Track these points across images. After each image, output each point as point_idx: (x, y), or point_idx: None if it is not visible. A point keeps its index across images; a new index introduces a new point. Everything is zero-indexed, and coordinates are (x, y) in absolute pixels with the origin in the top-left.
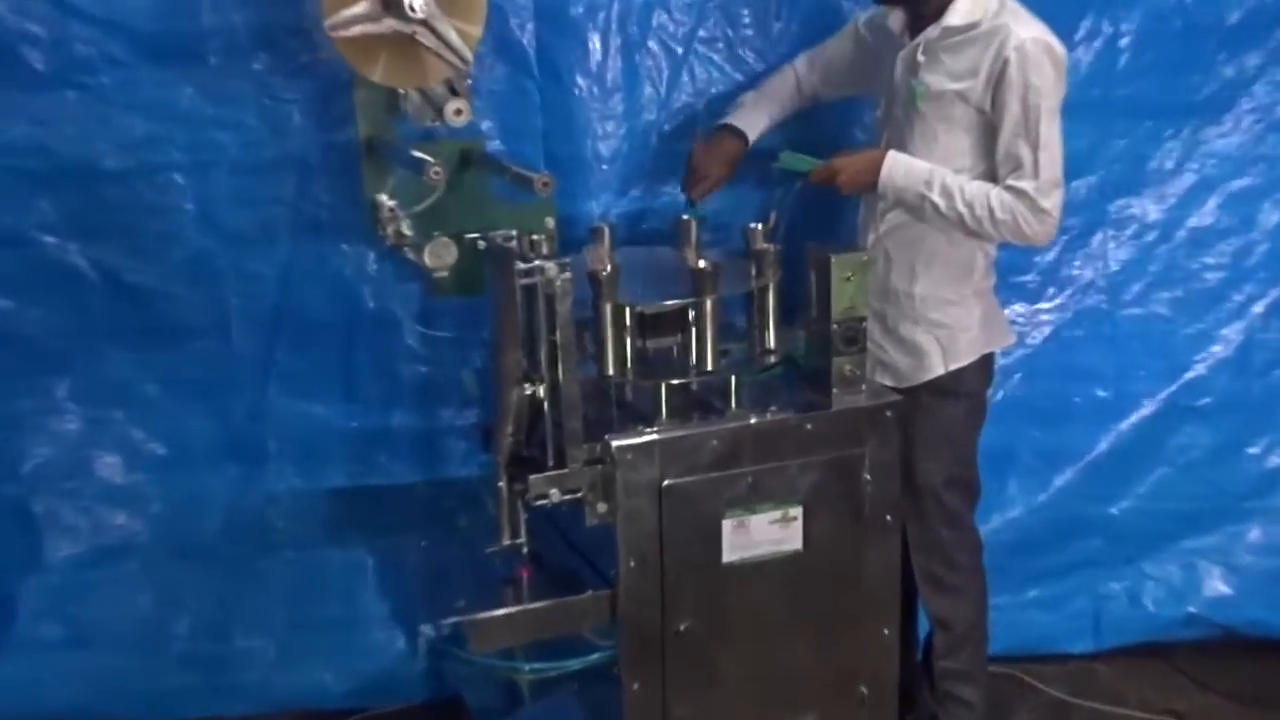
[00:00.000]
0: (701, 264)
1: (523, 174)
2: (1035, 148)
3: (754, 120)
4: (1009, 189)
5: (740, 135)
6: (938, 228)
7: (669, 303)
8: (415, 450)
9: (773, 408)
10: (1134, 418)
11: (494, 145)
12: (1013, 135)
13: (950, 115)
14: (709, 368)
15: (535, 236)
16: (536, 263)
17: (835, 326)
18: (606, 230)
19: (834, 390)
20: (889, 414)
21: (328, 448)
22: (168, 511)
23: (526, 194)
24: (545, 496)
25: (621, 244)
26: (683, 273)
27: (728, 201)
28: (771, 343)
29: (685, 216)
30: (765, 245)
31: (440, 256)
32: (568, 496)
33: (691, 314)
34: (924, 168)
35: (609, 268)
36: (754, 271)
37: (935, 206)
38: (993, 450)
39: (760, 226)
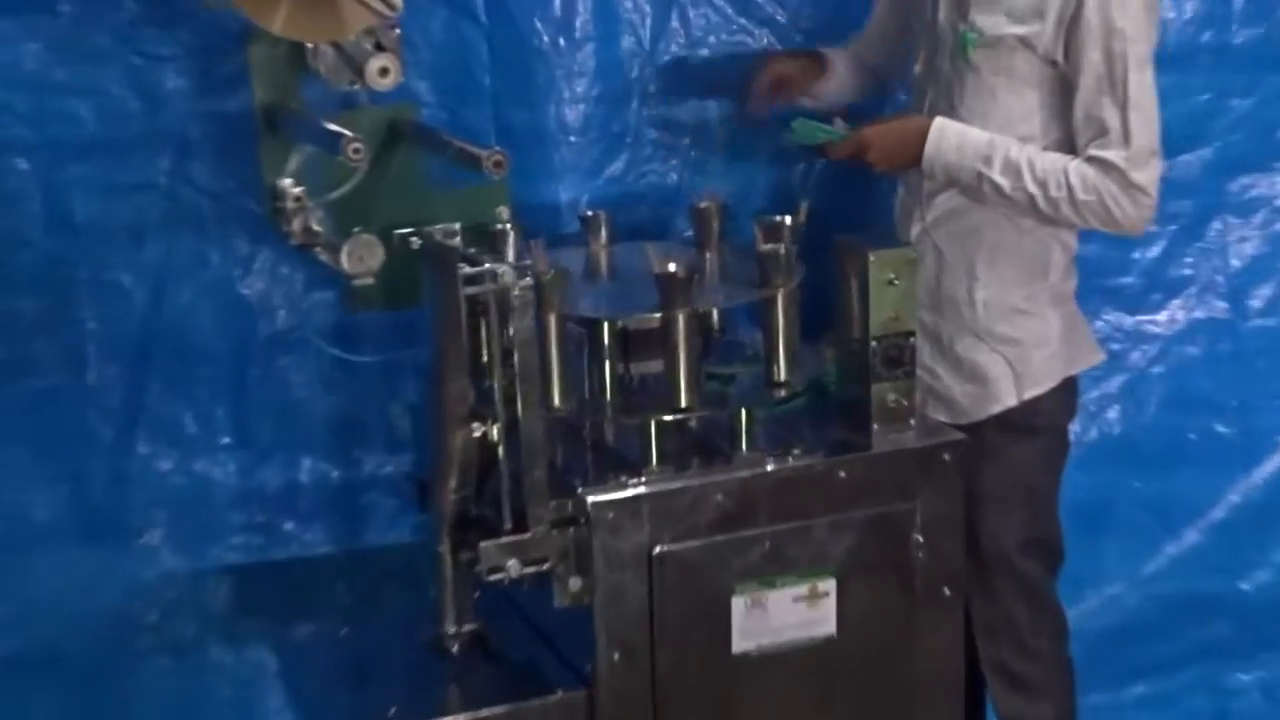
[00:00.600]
0: (680, 268)
1: (468, 150)
2: (1124, 107)
3: (839, 69)
4: (1092, 161)
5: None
6: (1002, 214)
7: (743, 299)
8: (331, 512)
9: (796, 450)
10: (1268, 464)
11: (431, 114)
12: (1094, 92)
13: (1011, 67)
14: (783, 377)
15: (486, 231)
16: (487, 266)
17: (875, 344)
18: (602, 220)
19: (874, 427)
20: (947, 457)
21: (215, 515)
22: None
23: (473, 176)
24: (501, 569)
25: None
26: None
27: (739, 183)
28: (792, 366)
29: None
30: (774, 245)
31: (362, 259)
32: (530, 569)
33: (766, 316)
34: (981, 139)
35: (551, 271)
36: (767, 276)
37: (997, 187)
38: (1082, 505)
39: (781, 219)
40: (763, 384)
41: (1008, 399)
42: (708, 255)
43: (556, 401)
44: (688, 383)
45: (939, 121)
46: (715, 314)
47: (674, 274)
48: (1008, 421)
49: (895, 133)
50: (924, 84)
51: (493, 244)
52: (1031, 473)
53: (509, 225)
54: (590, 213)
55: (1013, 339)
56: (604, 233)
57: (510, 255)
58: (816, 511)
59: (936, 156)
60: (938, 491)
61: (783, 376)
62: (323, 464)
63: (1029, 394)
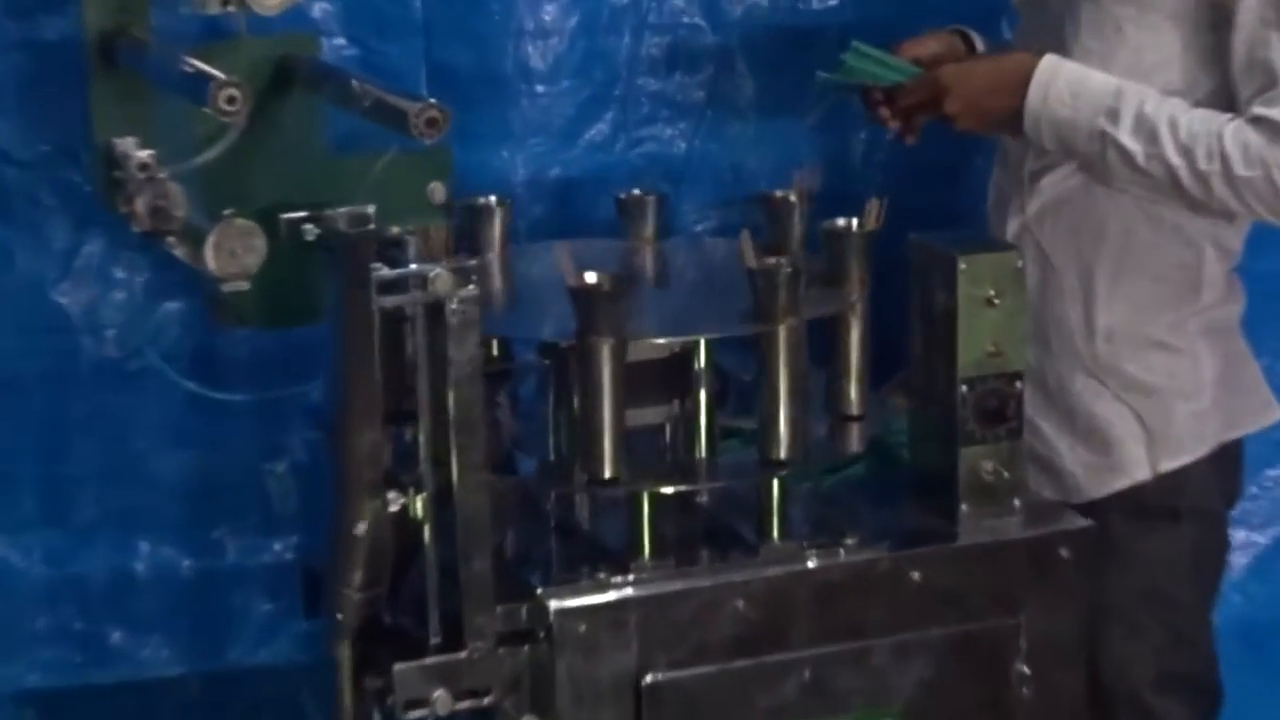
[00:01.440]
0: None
1: (390, 102)
2: None
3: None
4: (1258, 123)
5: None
6: (1133, 201)
7: (660, 340)
8: (180, 617)
9: (849, 539)
10: None
11: (337, 49)
12: (1260, 26)
13: None
14: (784, 454)
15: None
16: (414, 267)
17: (965, 390)
18: (651, 204)
19: (963, 508)
20: (1065, 553)
21: (14, 619)
22: None
23: (398, 138)
24: (424, 703)
25: (582, 230)
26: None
27: (775, 152)
28: (857, 401)
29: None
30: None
31: (235, 254)
32: (466, 703)
33: (698, 364)
34: (1105, 86)
35: (500, 281)
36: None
37: (1126, 155)
38: (1248, 627)
39: (847, 225)
40: (819, 436)
41: (1138, 471)
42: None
43: (618, 471)
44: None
45: (1049, 60)
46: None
47: (793, 270)
48: (1138, 503)
49: (985, 73)
50: (1026, 17)
51: (423, 236)
52: (1172, 578)
53: (446, 209)
54: (630, 195)
55: (1146, 385)
56: (651, 223)
57: (447, 252)
58: (878, 628)
59: (1043, 108)
60: (1052, 602)
61: (861, 403)
62: (169, 548)
63: (1169, 464)
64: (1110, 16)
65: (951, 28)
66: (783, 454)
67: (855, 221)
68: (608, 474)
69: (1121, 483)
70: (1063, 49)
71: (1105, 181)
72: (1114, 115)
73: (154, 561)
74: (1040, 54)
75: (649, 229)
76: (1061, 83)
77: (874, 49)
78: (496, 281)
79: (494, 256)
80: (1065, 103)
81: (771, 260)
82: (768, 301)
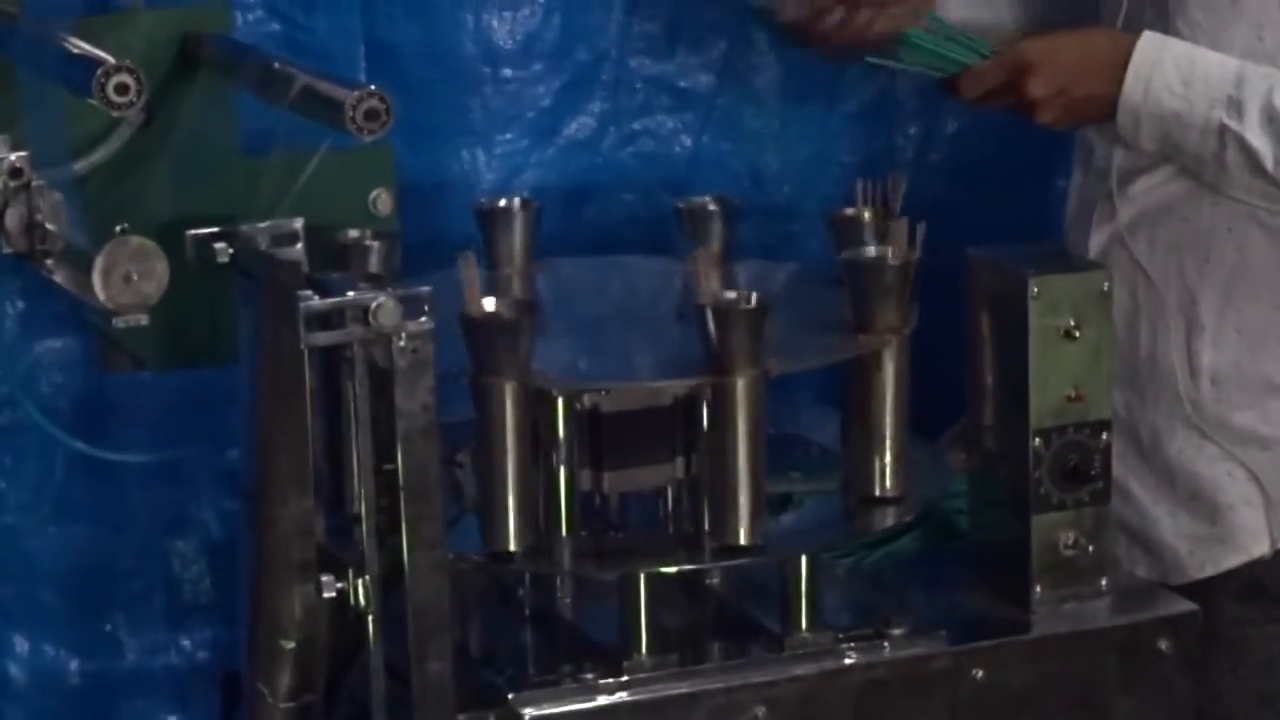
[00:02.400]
0: (725, 296)
1: (320, 90)
2: None
3: None
4: None
5: None
6: (1249, 212)
7: (654, 384)
8: None
9: (897, 629)
10: None
11: (255, 25)
12: None
13: None
14: (744, 540)
15: (350, 234)
16: (351, 295)
17: (1038, 442)
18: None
19: (1037, 590)
20: (1164, 646)
21: None
22: None
23: (331, 134)
24: None
25: (561, 248)
26: (690, 320)
27: (803, 151)
28: (889, 479)
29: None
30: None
31: (130, 280)
32: None
33: (706, 415)
34: (1224, 69)
35: (479, 304)
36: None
37: (1252, 157)
38: None
39: (863, 211)
40: (839, 510)
41: (1254, 544)
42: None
43: (522, 544)
44: (753, 507)
45: (1150, 38)
46: None
47: (756, 309)
48: (1254, 584)
49: (1075, 50)
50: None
51: (361, 257)
52: None
53: (391, 223)
54: (527, 202)
55: (1263, 439)
56: (531, 230)
57: (391, 276)
58: None
59: (1144, 97)
60: (1148, 706)
61: (885, 489)
62: (52, 647)
63: None
64: None
65: None
66: (889, 484)
67: (889, 250)
68: (510, 545)
69: (1234, 559)
70: (1163, 24)
71: (1220, 188)
72: (1236, 106)
73: (34, 664)
74: (1135, 30)
75: (715, 245)
76: (1168, 66)
77: (945, 23)
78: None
79: (513, 273)
80: (1173, 91)
81: (730, 295)
82: (723, 346)
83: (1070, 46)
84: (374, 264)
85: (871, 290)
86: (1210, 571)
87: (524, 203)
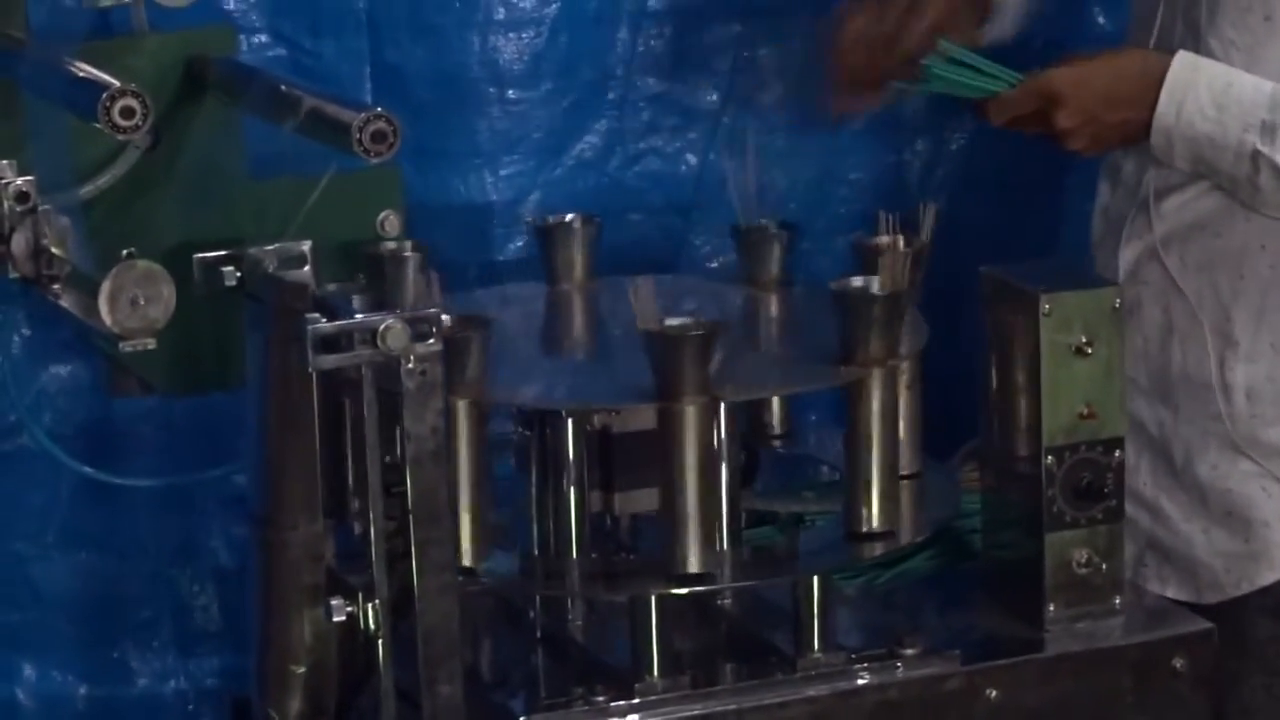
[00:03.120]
0: (710, 324)
1: (327, 112)
2: None
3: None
4: None
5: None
6: None
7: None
8: None
9: (910, 649)
10: None
11: (261, 48)
12: None
13: None
14: (759, 559)
15: (386, 245)
16: (360, 318)
17: (1051, 461)
18: (573, 235)
19: (1050, 609)
20: (1180, 665)
21: None
22: None
23: (338, 157)
24: None
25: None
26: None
27: (811, 170)
28: (875, 516)
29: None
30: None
31: (136, 304)
32: None
33: (719, 434)
34: (1259, 92)
35: (475, 329)
36: (859, 341)
37: None
38: None
39: (891, 241)
40: (850, 532)
41: None
42: (770, 300)
43: (479, 560)
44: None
45: (1184, 59)
46: (775, 407)
47: (698, 334)
48: None
49: (1106, 77)
50: (1139, 2)
51: (370, 279)
52: None
53: (402, 245)
54: (544, 221)
55: None
56: (574, 258)
57: (405, 299)
58: None
59: (1177, 123)
60: None
61: (885, 520)
62: (57, 674)
63: None
64: (1258, 1)
65: None
66: (885, 520)
67: (873, 281)
68: (465, 560)
69: (1269, 576)
70: (1195, 42)
71: (1255, 208)
72: (1270, 131)
73: (42, 690)
74: (1168, 51)
75: (772, 270)
76: (1202, 89)
77: (963, 50)
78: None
79: (573, 289)
80: (1206, 115)
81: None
82: (864, 336)
83: (1100, 75)
84: (410, 274)
85: (855, 321)
86: (1246, 589)
87: (585, 219)
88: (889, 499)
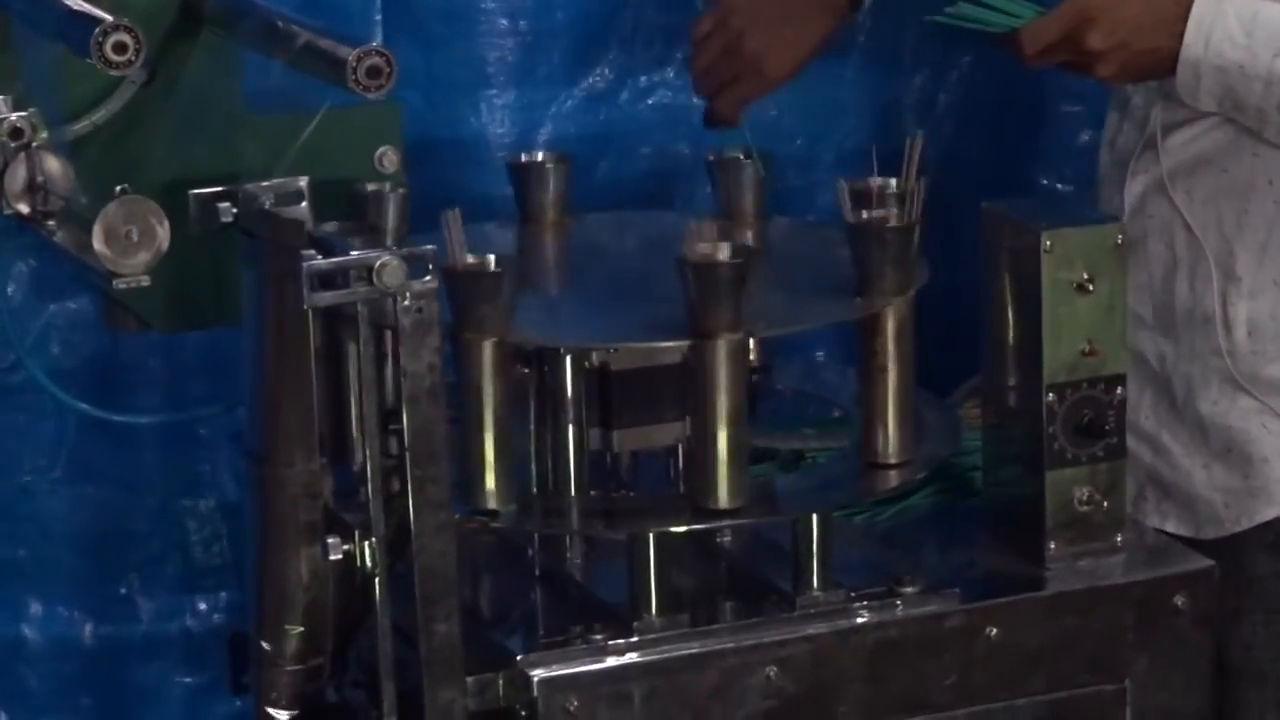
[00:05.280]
0: (720, 253)
1: (322, 47)
2: None
3: None
4: None
5: None
6: None
7: (660, 344)
8: (79, 691)
9: (909, 588)
10: None
11: None
12: None
13: None
14: (759, 497)
15: (357, 191)
16: (355, 254)
17: (1052, 398)
18: (566, 171)
19: (1051, 547)
20: (1181, 602)
21: None
22: None
23: (334, 93)
24: None
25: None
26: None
27: (818, 108)
28: (892, 445)
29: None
30: (873, 217)
31: (132, 240)
32: None
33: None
34: None
35: (477, 263)
36: (866, 277)
37: None
38: None
39: (881, 183)
40: (852, 468)
41: None
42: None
43: (482, 499)
44: (720, 466)
45: None
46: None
47: (711, 264)
48: None
49: (1138, 5)
50: None
51: (366, 216)
52: None
53: (397, 182)
54: (545, 159)
55: None
56: (564, 193)
57: (397, 235)
58: (946, 699)
59: (1205, 49)
60: (1165, 664)
61: (888, 455)
62: (64, 610)
63: None
64: None
65: None
66: (888, 455)
67: (892, 181)
68: (490, 503)
69: (1269, 512)
70: None
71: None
72: None
73: (46, 627)
74: None
75: (748, 203)
76: (1230, 18)
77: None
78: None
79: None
80: (1235, 42)
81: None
82: (872, 272)
83: (1133, 1)
84: (392, 216)
85: (872, 254)
86: (1245, 525)
87: (558, 157)
88: (904, 428)
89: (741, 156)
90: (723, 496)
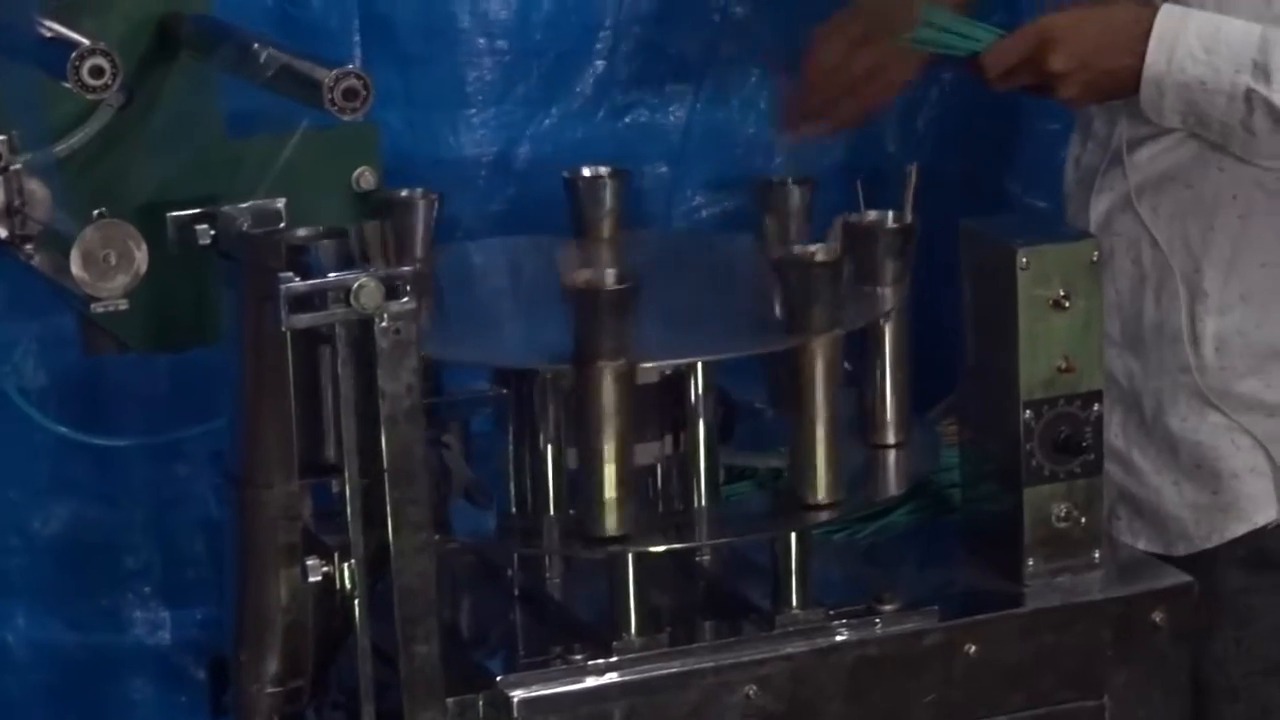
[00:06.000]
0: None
1: (298, 69)
2: None
3: None
4: None
5: None
6: (1256, 180)
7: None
8: (58, 706)
9: (889, 605)
10: None
11: (240, 3)
12: None
13: None
14: (736, 515)
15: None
16: (333, 276)
17: (1029, 415)
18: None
19: (1029, 564)
20: (1159, 619)
21: None
22: None
23: (312, 114)
24: None
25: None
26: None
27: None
28: (822, 487)
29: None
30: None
31: (110, 263)
32: None
33: (694, 391)
34: (1248, 34)
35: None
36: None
37: (1278, 114)
38: None
39: (879, 217)
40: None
41: (1259, 513)
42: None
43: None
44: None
45: (1171, 8)
46: None
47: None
48: (1260, 553)
49: (1099, 23)
50: None
51: (345, 237)
52: None
53: (378, 201)
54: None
55: (1268, 405)
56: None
57: (378, 257)
58: (927, 715)
59: (1168, 66)
60: (1143, 680)
61: (821, 497)
62: (52, 620)
63: None
64: None
65: None
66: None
67: (890, 214)
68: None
69: (1238, 528)
70: None
71: (1249, 156)
72: (1262, 70)
73: (27, 641)
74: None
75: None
76: (1191, 35)
77: (949, 16)
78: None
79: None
80: (1198, 59)
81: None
82: (811, 300)
83: (1093, 20)
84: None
85: (798, 289)
86: (1216, 541)
87: (614, 172)
88: (832, 469)
89: (790, 181)
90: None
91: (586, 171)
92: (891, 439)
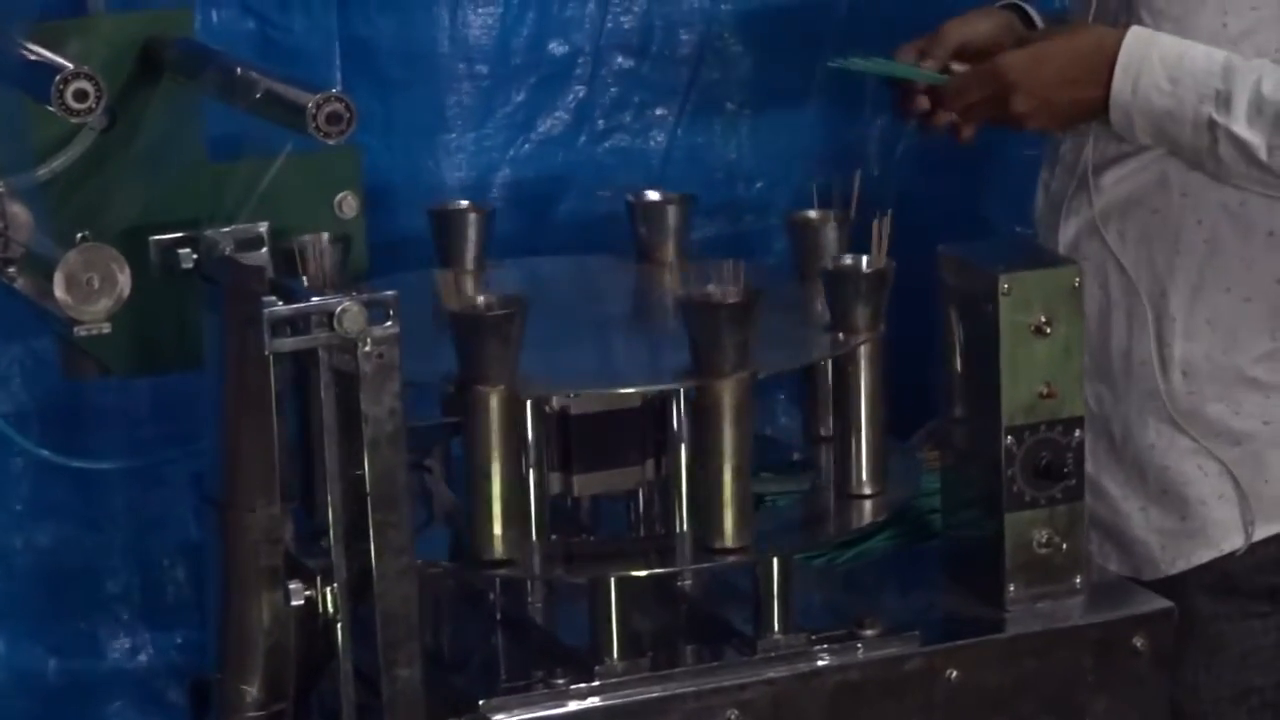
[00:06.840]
0: (714, 294)
1: (281, 93)
2: None
3: None
4: None
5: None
6: (1221, 203)
7: (624, 389)
8: None
9: (870, 631)
10: None
11: (229, 22)
12: None
13: None
14: (726, 542)
15: (314, 238)
16: (314, 300)
17: (1010, 441)
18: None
19: (1010, 589)
20: (1139, 644)
21: None
22: None
23: (293, 138)
24: None
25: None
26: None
27: (776, 149)
28: (864, 477)
29: None
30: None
31: (93, 287)
32: None
33: (675, 420)
34: (1211, 63)
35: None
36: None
37: (1244, 149)
38: None
39: (822, 215)
40: (811, 512)
41: (1226, 539)
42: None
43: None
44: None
45: (1136, 35)
46: None
47: (708, 302)
48: (1227, 579)
49: (1060, 58)
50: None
51: (327, 261)
52: (1271, 673)
53: (357, 225)
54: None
55: (1236, 432)
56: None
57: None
58: None
59: (1134, 98)
60: (1123, 705)
61: (863, 487)
62: (31, 644)
63: (1266, 531)
64: None
65: (1004, 1)
66: (863, 481)
67: (864, 259)
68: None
69: (1206, 554)
70: (1128, 14)
71: (1221, 179)
72: (1225, 100)
73: (12, 660)
74: (1117, 24)
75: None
76: (1155, 63)
77: (880, 60)
78: None
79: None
80: (1162, 89)
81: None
82: (846, 312)
83: (1054, 57)
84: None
85: (848, 294)
86: (1182, 566)
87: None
88: (878, 461)
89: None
90: (863, 474)
91: (652, 196)
92: (868, 490)
